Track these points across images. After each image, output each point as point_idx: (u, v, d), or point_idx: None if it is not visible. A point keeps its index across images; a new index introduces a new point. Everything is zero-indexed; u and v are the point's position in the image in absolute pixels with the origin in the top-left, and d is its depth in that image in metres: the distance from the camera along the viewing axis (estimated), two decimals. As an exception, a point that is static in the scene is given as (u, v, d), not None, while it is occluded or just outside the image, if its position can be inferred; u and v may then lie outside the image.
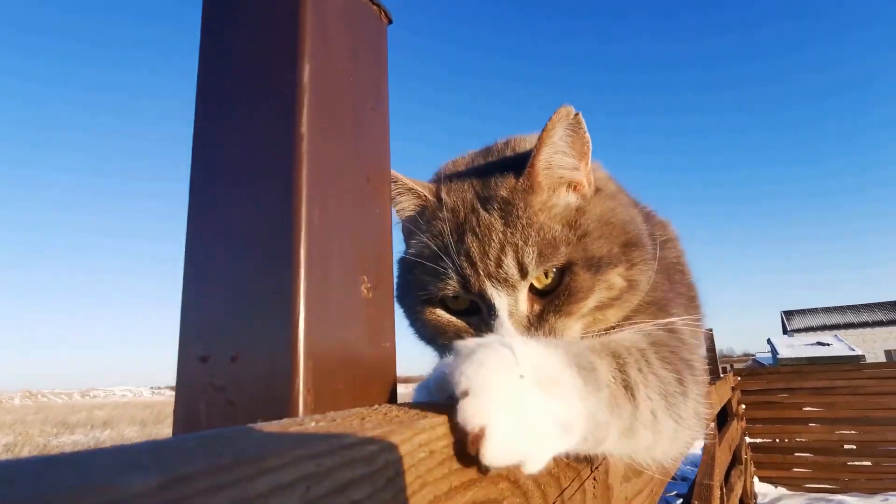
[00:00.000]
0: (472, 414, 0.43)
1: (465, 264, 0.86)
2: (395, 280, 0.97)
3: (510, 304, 0.85)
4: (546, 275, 0.86)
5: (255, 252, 0.45)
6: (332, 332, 0.45)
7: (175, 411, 0.46)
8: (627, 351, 0.68)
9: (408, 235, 1.01)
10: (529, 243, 0.84)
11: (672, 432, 0.69)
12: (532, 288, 0.87)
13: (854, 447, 6.54)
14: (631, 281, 0.90)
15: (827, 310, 40.42)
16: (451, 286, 0.87)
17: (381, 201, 0.51)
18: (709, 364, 4.48)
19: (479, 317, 0.88)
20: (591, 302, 0.87)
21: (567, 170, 0.92)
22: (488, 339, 0.50)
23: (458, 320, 0.90)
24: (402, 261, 0.99)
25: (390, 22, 0.64)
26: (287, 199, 0.42)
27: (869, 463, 6.46)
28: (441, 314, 0.91)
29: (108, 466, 0.23)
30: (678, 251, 1.24)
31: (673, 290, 1.01)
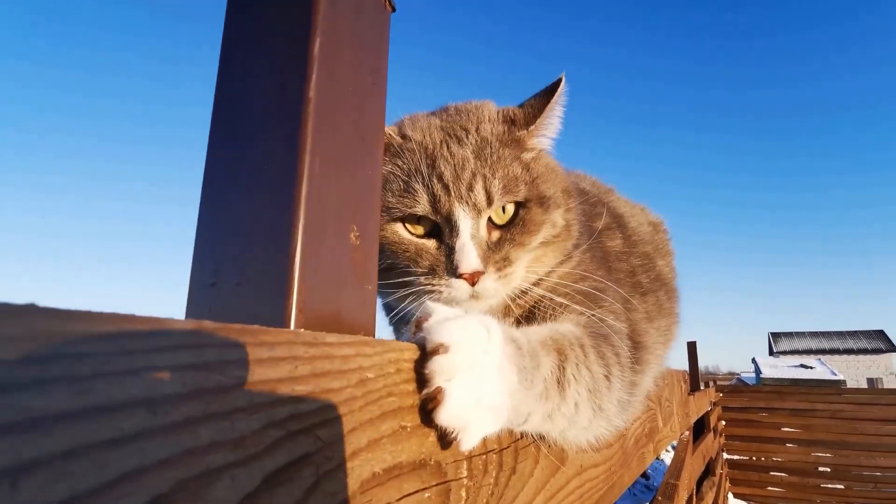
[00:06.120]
0: (442, 368, 0.50)
1: (438, 186, 0.95)
2: None
3: (473, 227, 0.95)
4: (504, 210, 0.98)
5: (261, 195, 0.53)
6: (323, 268, 0.52)
7: (184, 326, 0.53)
8: (571, 347, 0.78)
9: None
10: (497, 177, 0.96)
11: (587, 421, 0.80)
12: (490, 220, 0.98)
13: (828, 470, 6.65)
14: (568, 222, 1.05)
15: (814, 334, 40.77)
16: (421, 206, 0.95)
17: (374, 161, 0.59)
18: (689, 376, 4.55)
19: (439, 240, 0.97)
20: (539, 237, 0.99)
21: (549, 129, 1.08)
22: (468, 315, 0.57)
23: (419, 240, 0.97)
24: None
25: (394, 10, 0.72)
26: (293, 150, 0.50)
27: (841, 486, 6.57)
28: (403, 233, 0.98)
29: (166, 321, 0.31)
30: (636, 241, 1.46)
31: (611, 278, 1.13)
